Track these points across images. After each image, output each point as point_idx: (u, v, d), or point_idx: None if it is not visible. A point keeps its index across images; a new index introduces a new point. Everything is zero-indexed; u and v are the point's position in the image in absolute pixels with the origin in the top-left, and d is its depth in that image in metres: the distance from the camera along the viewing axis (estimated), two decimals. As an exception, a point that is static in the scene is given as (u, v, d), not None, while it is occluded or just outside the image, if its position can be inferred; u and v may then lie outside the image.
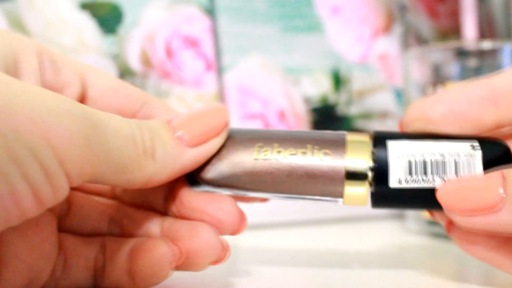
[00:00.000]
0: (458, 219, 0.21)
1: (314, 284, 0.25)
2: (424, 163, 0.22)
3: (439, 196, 0.22)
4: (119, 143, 0.20)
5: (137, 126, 0.21)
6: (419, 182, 0.22)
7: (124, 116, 0.21)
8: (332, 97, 0.43)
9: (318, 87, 0.43)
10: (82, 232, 0.24)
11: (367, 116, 0.44)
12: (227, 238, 0.23)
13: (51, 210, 0.22)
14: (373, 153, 0.23)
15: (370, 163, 0.23)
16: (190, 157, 0.22)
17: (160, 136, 0.22)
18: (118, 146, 0.20)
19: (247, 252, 0.33)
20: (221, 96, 0.40)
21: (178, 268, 0.23)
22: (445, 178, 0.22)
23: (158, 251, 0.22)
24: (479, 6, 0.39)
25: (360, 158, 0.23)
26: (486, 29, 0.39)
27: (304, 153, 0.23)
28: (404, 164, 0.22)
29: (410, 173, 0.22)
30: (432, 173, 0.22)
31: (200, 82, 0.40)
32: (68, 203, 0.24)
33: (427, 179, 0.22)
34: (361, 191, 0.23)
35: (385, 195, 0.23)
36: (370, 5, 0.46)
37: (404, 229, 0.39)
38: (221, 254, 0.23)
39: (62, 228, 0.24)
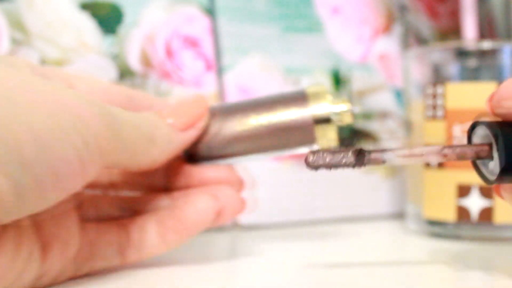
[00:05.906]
0: None
1: (314, 284, 0.26)
2: None
3: None
4: (129, 130, 0.24)
5: (138, 117, 0.25)
6: None
7: None
8: (332, 97, 0.43)
9: (318, 87, 0.43)
10: (98, 220, 0.27)
11: (367, 116, 0.44)
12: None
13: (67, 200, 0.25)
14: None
15: (333, 108, 0.28)
16: (182, 139, 0.27)
17: (156, 124, 0.26)
18: (129, 133, 0.24)
19: (247, 252, 0.33)
20: (221, 96, 0.40)
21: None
22: None
23: (204, 199, 0.27)
24: (479, 6, 0.39)
25: (322, 104, 0.28)
26: (486, 29, 0.39)
27: (275, 114, 0.28)
28: None
29: None
30: None
31: (200, 82, 0.40)
32: (79, 197, 0.27)
33: None
34: (331, 132, 0.28)
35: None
36: (370, 5, 0.46)
37: (404, 229, 0.39)
38: (243, 207, 0.28)
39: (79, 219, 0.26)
